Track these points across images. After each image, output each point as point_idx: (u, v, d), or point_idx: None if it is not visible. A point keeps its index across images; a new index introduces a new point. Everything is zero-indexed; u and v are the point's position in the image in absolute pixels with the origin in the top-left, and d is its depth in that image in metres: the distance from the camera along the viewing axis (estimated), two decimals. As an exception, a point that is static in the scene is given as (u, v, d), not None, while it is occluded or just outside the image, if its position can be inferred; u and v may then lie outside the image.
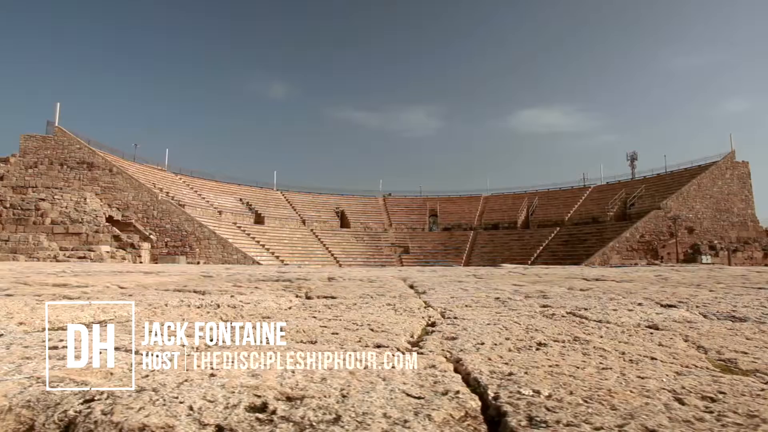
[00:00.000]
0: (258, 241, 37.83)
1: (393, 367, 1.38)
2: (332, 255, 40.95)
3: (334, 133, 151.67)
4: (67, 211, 27.48)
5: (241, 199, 43.11)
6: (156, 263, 27.72)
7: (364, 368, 1.37)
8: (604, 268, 10.10)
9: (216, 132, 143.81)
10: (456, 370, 1.39)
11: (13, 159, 28.69)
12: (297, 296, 3.63)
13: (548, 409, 0.99)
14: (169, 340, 1.78)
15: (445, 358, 1.58)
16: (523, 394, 1.10)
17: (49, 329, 2.15)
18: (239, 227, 38.46)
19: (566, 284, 5.08)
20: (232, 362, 1.43)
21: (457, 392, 1.12)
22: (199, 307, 2.87)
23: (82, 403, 1.08)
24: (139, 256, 28.51)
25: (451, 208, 49.45)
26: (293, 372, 1.32)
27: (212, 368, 1.36)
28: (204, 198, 39.63)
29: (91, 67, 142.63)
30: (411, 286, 4.70)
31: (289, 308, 2.95)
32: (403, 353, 1.70)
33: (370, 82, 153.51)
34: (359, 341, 1.87)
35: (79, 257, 24.49)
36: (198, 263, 29.09)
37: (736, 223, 33.04)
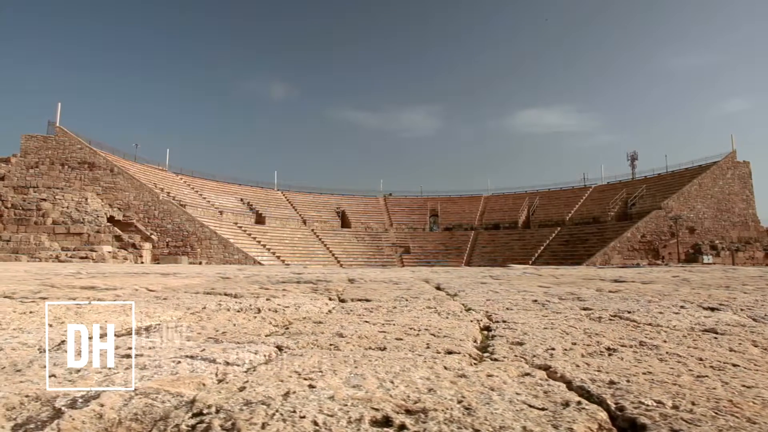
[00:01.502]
0: (259, 241, 37.74)
1: (489, 375, 1.35)
2: (333, 255, 40.88)
3: (334, 133, 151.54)
4: (69, 211, 27.36)
5: (242, 199, 43.00)
6: (158, 263, 27.62)
7: (460, 376, 1.34)
8: (615, 269, 10.08)
9: (216, 132, 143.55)
10: (552, 378, 1.35)
11: (14, 159, 28.54)
12: (330, 299, 3.59)
13: (687, 422, 0.96)
14: (243, 347, 1.74)
15: (529, 364, 1.55)
16: (648, 405, 1.07)
17: (106, 335, 2.11)
18: (240, 227, 38.36)
19: (591, 285, 5.06)
20: (321, 371, 1.39)
21: (579, 402, 1.08)
22: (239, 311, 2.83)
23: (191, 417, 1.04)
24: (141, 256, 28.40)
25: (451, 208, 49.44)
26: (392, 382, 1.28)
27: (303, 378, 1.32)
28: (205, 198, 39.52)
29: (91, 68, 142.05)
30: (438, 288, 4.66)
31: (330, 312, 2.91)
32: (481, 359, 1.67)
33: (370, 82, 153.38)
34: (428, 347, 1.83)
35: (81, 257, 24.38)
36: (200, 263, 29.00)
37: (737, 223, 33.13)
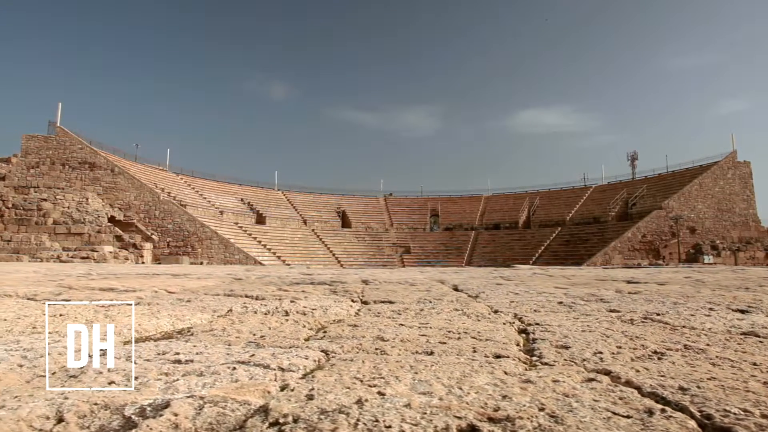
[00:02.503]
0: (259, 242, 37.69)
1: (555, 380, 1.33)
2: (334, 255, 40.85)
3: (334, 133, 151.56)
4: (69, 211, 27.28)
5: (242, 199, 42.94)
6: (159, 263, 27.55)
7: (526, 381, 1.31)
8: (622, 269, 10.07)
9: (217, 132, 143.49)
10: (618, 383, 1.33)
11: (15, 159, 28.44)
12: (353, 301, 3.57)
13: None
14: (289, 352, 1.72)
15: (586, 368, 1.52)
16: (735, 413, 1.05)
17: (148, 338, 2.08)
18: (241, 227, 38.31)
19: (607, 287, 5.05)
20: (382, 377, 1.37)
21: (663, 410, 1.06)
22: (266, 314, 2.80)
23: (269, 427, 1.02)
24: (141, 257, 28.33)
25: (452, 208, 49.45)
26: (460, 388, 1.26)
27: (368, 384, 1.30)
28: (205, 198, 39.45)
29: (92, 68, 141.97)
30: (456, 289, 4.64)
31: (358, 314, 2.89)
32: (532, 363, 1.65)
33: (370, 82, 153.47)
34: (474, 351, 1.81)
35: (83, 257, 24.31)
36: (201, 263, 28.94)
37: (737, 223, 33.19)
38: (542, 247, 40.05)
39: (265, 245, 37.32)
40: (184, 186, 39.52)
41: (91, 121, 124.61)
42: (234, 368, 1.44)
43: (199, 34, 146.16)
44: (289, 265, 34.79)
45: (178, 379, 1.30)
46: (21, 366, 1.49)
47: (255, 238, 37.75)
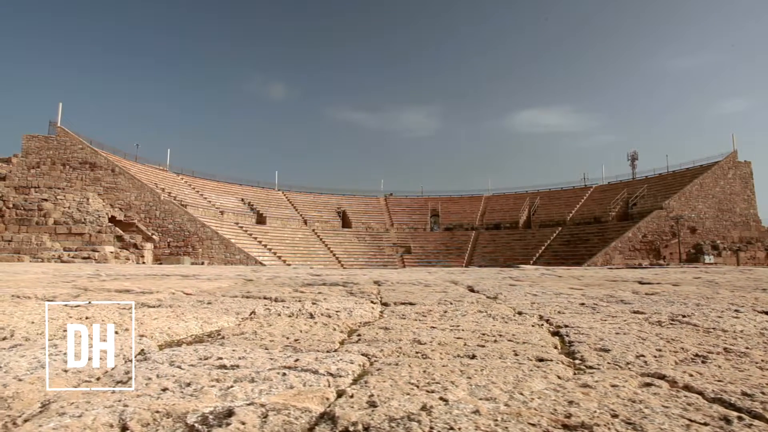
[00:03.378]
0: (260, 242, 37.65)
1: (614, 385, 1.31)
2: (334, 255, 40.83)
3: (334, 133, 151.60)
4: (70, 211, 27.21)
5: (242, 199, 42.88)
6: (160, 264, 27.49)
7: (584, 386, 1.30)
8: (628, 270, 10.07)
9: (217, 132, 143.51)
10: (677, 388, 1.31)
11: (16, 159, 28.36)
12: (372, 302, 3.55)
13: None
14: (331, 356, 1.69)
15: (636, 372, 1.50)
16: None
17: (181, 341, 2.06)
18: (241, 227, 38.27)
19: (622, 288, 5.03)
20: (437, 382, 1.35)
21: (740, 418, 1.04)
22: (290, 316, 2.78)
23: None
24: (142, 257, 28.27)
25: (452, 208, 49.45)
26: (521, 393, 1.24)
27: (426, 390, 1.27)
28: (206, 198, 39.39)
29: (92, 68, 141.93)
30: (472, 290, 4.62)
31: (382, 316, 2.87)
32: (576, 367, 1.63)
33: (370, 83, 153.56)
34: (516, 354, 1.79)
35: (84, 258, 24.25)
36: (202, 263, 28.89)
37: (738, 223, 33.24)
38: (543, 247, 40.07)
39: (265, 245, 37.28)
40: (185, 186, 39.45)
41: (92, 121, 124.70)
42: (284, 374, 1.41)
43: (199, 35, 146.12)
44: (289, 265, 34.75)
45: (232, 386, 1.28)
46: (65, 371, 1.46)
47: (255, 238, 37.71)
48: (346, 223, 46.43)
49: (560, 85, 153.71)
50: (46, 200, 26.30)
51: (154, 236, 30.77)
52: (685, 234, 33.36)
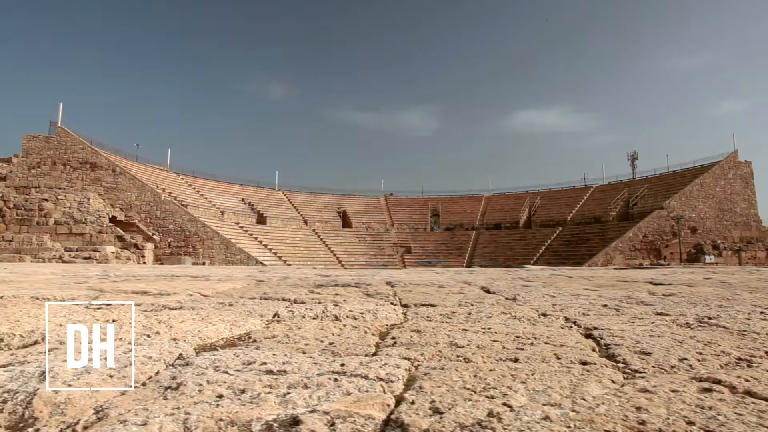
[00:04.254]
0: (260, 242, 37.60)
1: (673, 390, 1.29)
2: (335, 255, 40.80)
3: (334, 133, 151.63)
4: (71, 211, 27.15)
5: (243, 199, 42.83)
6: (161, 264, 27.44)
7: (643, 391, 1.28)
8: (635, 270, 10.06)
9: (217, 132, 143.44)
10: (738, 394, 1.30)
11: (16, 159, 28.27)
12: (392, 304, 3.53)
13: None
14: (375, 360, 1.67)
15: (686, 377, 1.49)
16: None
17: (214, 345, 2.03)
18: (242, 227, 38.22)
19: (636, 288, 5.02)
20: (494, 387, 1.33)
21: (819, 426, 1.03)
22: (314, 318, 2.76)
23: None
24: (143, 257, 28.23)
25: (452, 208, 49.46)
26: (583, 399, 1.22)
27: (487, 395, 1.25)
28: (206, 198, 39.33)
29: (92, 68, 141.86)
30: (487, 291, 4.61)
31: (407, 318, 2.84)
32: (623, 370, 1.61)
33: (370, 83, 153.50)
34: (558, 358, 1.77)
35: (85, 258, 24.20)
36: (203, 264, 28.85)
37: (738, 223, 33.30)
38: (543, 247, 40.10)
39: (266, 245, 37.24)
40: (185, 186, 39.39)
41: (92, 121, 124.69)
42: (335, 379, 1.39)
43: (199, 35, 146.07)
44: (290, 265, 34.71)
45: (288, 392, 1.26)
46: (111, 376, 1.44)
47: (256, 238, 37.66)
48: (346, 223, 46.41)
49: (560, 85, 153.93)
50: (46, 200, 26.23)
51: (154, 236, 30.72)
52: (686, 234, 33.41)
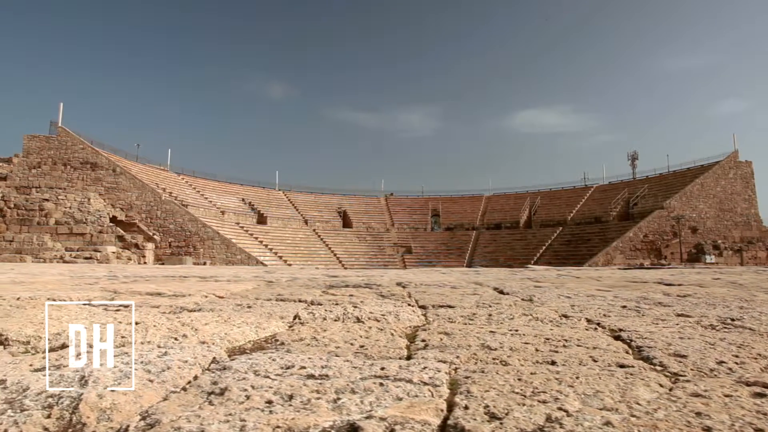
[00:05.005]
0: (261, 242, 37.58)
1: (727, 395, 1.27)
2: (335, 255, 40.78)
3: (335, 133, 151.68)
4: (71, 211, 27.08)
5: (243, 199, 42.79)
6: (162, 264, 27.38)
7: (696, 395, 1.26)
8: (641, 270, 10.06)
9: (217, 132, 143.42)
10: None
11: (17, 159, 28.20)
12: (410, 305, 3.51)
13: None
14: (414, 364, 1.65)
15: (732, 380, 1.47)
16: None
17: (243, 348, 2.01)
18: (242, 227, 38.19)
19: (648, 289, 5.01)
20: (543, 391, 1.31)
21: None
22: (336, 320, 2.74)
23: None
24: (144, 257, 28.17)
25: (453, 207, 49.46)
26: (637, 403, 1.20)
27: (538, 400, 1.24)
28: (206, 198, 39.28)
29: (93, 68, 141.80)
30: (501, 292, 4.59)
31: (428, 320, 2.83)
32: (666, 374, 1.60)
33: (369, 82, 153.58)
34: (594, 360, 1.76)
35: (86, 258, 24.14)
36: (204, 264, 28.79)
37: (739, 223, 33.34)
38: (544, 247, 40.12)
39: (266, 245, 37.21)
40: (186, 186, 39.33)
41: (93, 121, 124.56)
42: (381, 384, 1.37)
43: (199, 35, 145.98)
44: (290, 265, 34.66)
45: (338, 398, 1.24)
46: (151, 381, 1.42)
47: (256, 238, 37.63)
48: (346, 223, 46.39)
49: (560, 85, 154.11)
50: (47, 200, 26.17)
51: (155, 236, 30.66)
52: (686, 234, 33.45)
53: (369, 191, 51.93)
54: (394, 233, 46.20)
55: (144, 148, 66.50)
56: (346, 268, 31.47)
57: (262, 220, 41.10)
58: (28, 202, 25.45)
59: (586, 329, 2.52)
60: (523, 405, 1.20)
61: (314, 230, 43.34)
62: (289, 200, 46.68)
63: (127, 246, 27.71)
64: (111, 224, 28.02)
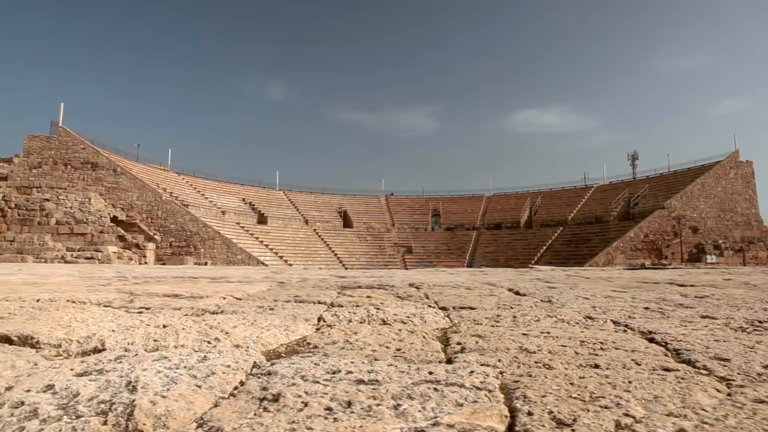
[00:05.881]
0: (261, 241, 37.54)
1: (790, 402, 1.26)
2: (335, 255, 40.76)
3: (335, 133, 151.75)
4: (72, 211, 27.02)
5: (243, 199, 42.75)
6: (163, 264, 27.33)
7: (758, 401, 1.24)
8: (649, 271, 10.05)
9: (217, 132, 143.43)
10: None
11: (17, 159, 28.12)
12: (431, 307, 3.49)
13: None
14: (460, 368, 1.63)
15: (787, 387, 1.46)
16: None
17: (277, 352, 1.99)
18: (242, 227, 38.15)
19: (666, 290, 4.99)
20: (602, 396, 1.29)
21: None
22: (363, 323, 2.71)
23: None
24: (144, 257, 28.12)
25: (453, 207, 49.46)
26: (703, 410, 1.18)
27: (597, 405, 1.22)
28: (207, 198, 39.23)
29: (93, 68, 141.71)
30: (517, 293, 4.58)
31: (453, 323, 2.81)
32: (714, 378, 1.58)
33: (369, 82, 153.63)
34: (638, 364, 1.74)
35: (87, 258, 24.08)
36: (205, 264, 28.74)
37: (740, 223, 33.39)
38: (544, 247, 40.15)
39: (267, 245, 37.18)
40: (186, 186, 39.28)
41: (93, 121, 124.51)
42: (435, 389, 1.35)
43: (199, 34, 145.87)
44: (291, 265, 34.62)
45: (399, 404, 1.22)
46: (199, 387, 1.40)
47: (257, 238, 37.60)
48: (347, 222, 46.37)
49: (560, 85, 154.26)
50: (48, 200, 26.10)
51: (156, 236, 30.60)
52: (687, 234, 33.49)
53: (369, 191, 51.96)
54: (395, 233, 46.20)
55: (144, 148, 66.37)
56: (346, 268, 31.44)
57: (262, 220, 41.06)
58: (28, 202, 25.39)
59: (616, 331, 2.50)
60: (587, 410, 1.18)
61: (315, 230, 43.31)
62: (289, 200, 46.64)
63: (127, 246, 27.65)
64: (112, 224, 27.96)
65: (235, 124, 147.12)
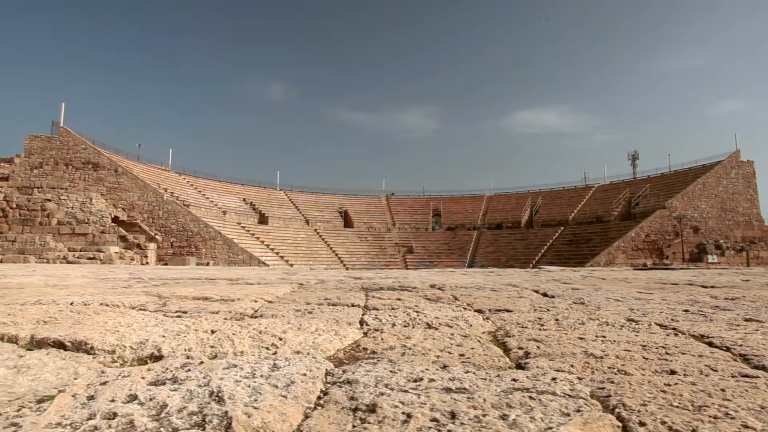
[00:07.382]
0: (262, 241, 37.47)
1: None
2: (336, 255, 40.71)
3: (335, 133, 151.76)
4: (73, 211, 26.92)
5: (244, 199, 42.66)
6: (165, 264, 27.24)
7: None
8: (661, 271, 10.05)
9: (218, 132, 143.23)
10: None
11: (18, 159, 27.99)
12: (466, 309, 3.46)
13: None
14: (541, 376, 1.60)
15: None
16: None
17: (338, 359, 1.95)
18: (243, 227, 38.06)
19: (692, 291, 4.97)
20: (704, 405, 1.26)
21: None
22: (407, 326, 2.68)
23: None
24: (146, 257, 28.02)
25: (454, 207, 49.47)
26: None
27: (707, 414, 1.19)
28: (208, 198, 39.13)
29: (94, 68, 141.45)
30: (545, 295, 4.55)
31: (496, 326, 2.77)
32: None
33: (369, 83, 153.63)
34: (714, 370, 1.71)
35: (89, 258, 23.99)
36: (207, 264, 28.66)
37: (741, 223, 33.47)
38: (545, 247, 40.18)
39: (268, 245, 37.11)
40: (187, 186, 39.17)
41: (94, 121, 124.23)
42: (530, 397, 1.32)
43: (199, 34, 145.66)
44: (292, 265, 34.55)
45: (506, 414, 1.18)
46: (284, 397, 1.36)
47: (258, 238, 37.52)
48: (348, 222, 46.33)
49: (559, 85, 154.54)
50: (49, 200, 25.99)
51: (157, 236, 30.50)
52: (688, 233, 33.56)
53: (370, 191, 51.93)
54: (396, 233, 46.18)
55: (145, 148, 66.30)
56: (347, 268, 31.38)
57: (263, 220, 40.98)
58: (30, 202, 25.27)
59: (667, 335, 2.46)
60: (702, 421, 1.14)
61: (315, 230, 43.25)
62: (290, 200, 46.57)
63: (129, 246, 27.56)
64: (113, 224, 27.87)
65: (235, 124, 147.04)
